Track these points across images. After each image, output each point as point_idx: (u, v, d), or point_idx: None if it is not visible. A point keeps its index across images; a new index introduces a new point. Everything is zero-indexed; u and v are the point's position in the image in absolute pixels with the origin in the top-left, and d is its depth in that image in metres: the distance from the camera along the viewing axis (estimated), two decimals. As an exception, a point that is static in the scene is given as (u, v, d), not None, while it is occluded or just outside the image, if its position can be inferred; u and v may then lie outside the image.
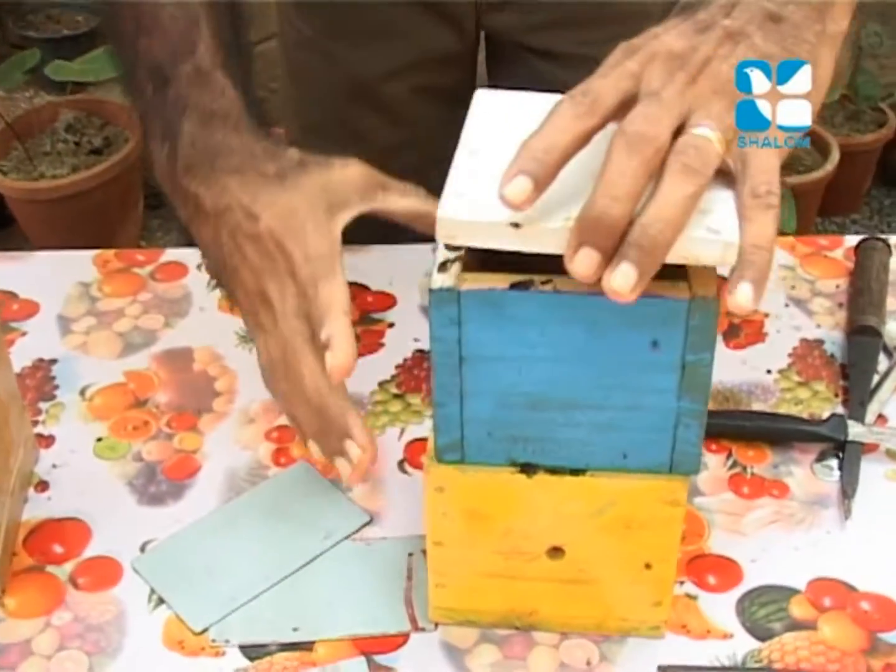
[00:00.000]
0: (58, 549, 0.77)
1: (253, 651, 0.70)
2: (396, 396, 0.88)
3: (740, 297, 0.52)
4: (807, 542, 0.76)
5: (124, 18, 0.74)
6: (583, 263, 0.51)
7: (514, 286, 0.56)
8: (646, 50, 0.56)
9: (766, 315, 0.94)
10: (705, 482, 0.80)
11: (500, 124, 0.61)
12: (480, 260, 0.57)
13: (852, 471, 0.80)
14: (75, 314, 0.97)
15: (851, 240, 1.02)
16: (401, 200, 0.71)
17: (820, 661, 0.69)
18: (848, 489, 0.79)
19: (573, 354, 0.58)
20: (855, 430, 0.82)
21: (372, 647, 0.70)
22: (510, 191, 0.52)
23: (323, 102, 1.13)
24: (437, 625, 0.71)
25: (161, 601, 0.73)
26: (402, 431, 0.84)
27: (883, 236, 1.00)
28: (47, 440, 0.85)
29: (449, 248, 0.58)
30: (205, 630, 0.71)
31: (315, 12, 1.07)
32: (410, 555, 0.75)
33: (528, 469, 0.63)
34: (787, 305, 0.96)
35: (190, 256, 1.02)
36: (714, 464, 0.81)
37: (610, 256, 0.51)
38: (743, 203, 0.54)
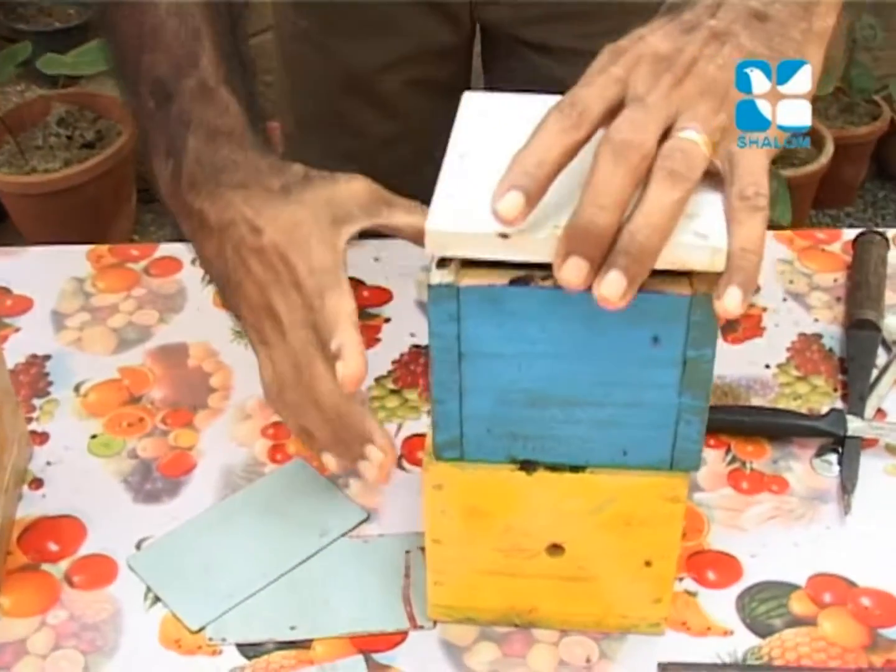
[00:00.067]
0: (52, 547, 0.76)
1: (250, 650, 0.70)
2: (393, 392, 0.87)
3: (728, 303, 0.52)
4: (807, 538, 0.76)
5: (125, 33, 0.73)
6: (571, 272, 0.52)
7: (513, 282, 0.55)
8: (631, 53, 0.56)
9: (765, 309, 0.94)
10: (704, 478, 0.80)
11: (489, 127, 0.61)
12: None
13: (852, 466, 0.80)
14: (69, 310, 0.96)
15: (849, 233, 1.02)
16: (405, 217, 0.71)
17: (821, 657, 0.69)
18: (847, 484, 0.79)
19: (573, 351, 0.57)
20: (854, 425, 0.82)
21: (370, 645, 0.70)
22: (503, 206, 0.52)
23: (318, 95, 1.12)
24: (435, 623, 0.71)
25: (157, 599, 0.73)
26: (400, 427, 0.84)
27: (881, 230, 0.99)
28: (41, 437, 0.84)
29: None
30: (201, 629, 0.71)
31: (310, 6, 1.06)
32: (408, 552, 0.75)
33: (527, 466, 0.63)
34: (784, 300, 0.95)
35: (184, 251, 1.01)
36: (713, 459, 0.81)
37: (598, 265, 0.52)
38: (731, 205, 0.54)
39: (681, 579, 0.73)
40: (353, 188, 0.69)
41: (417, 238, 0.73)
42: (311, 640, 0.70)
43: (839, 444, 0.82)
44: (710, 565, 0.74)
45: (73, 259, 1.02)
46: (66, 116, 2.36)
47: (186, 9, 0.72)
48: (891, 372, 0.87)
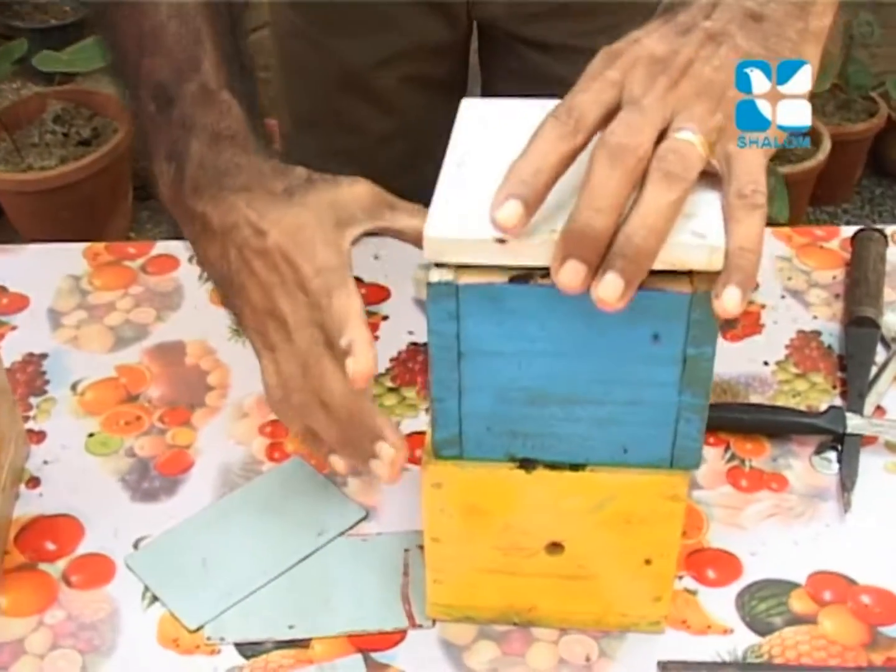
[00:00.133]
0: (50, 546, 0.76)
1: (248, 649, 0.70)
2: (391, 390, 0.87)
3: (727, 302, 0.52)
4: (806, 536, 0.76)
5: (125, 34, 0.73)
6: (569, 276, 0.52)
7: (513, 280, 0.55)
8: (627, 55, 0.56)
9: (763, 306, 0.94)
10: (703, 475, 0.80)
11: (487, 134, 0.61)
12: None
13: (851, 463, 0.80)
14: (66, 308, 0.96)
15: (848, 230, 1.01)
16: (407, 220, 0.70)
17: (821, 655, 0.69)
18: (847, 482, 0.79)
19: (573, 349, 0.57)
20: (853, 423, 0.82)
21: (369, 644, 0.70)
22: (501, 215, 0.52)
23: (314, 93, 1.12)
24: (434, 621, 0.71)
25: (155, 599, 0.72)
26: (398, 425, 0.84)
27: (879, 227, 0.99)
28: (38, 436, 0.84)
29: None
30: (200, 628, 0.70)
31: (306, 3, 1.06)
32: (406, 550, 0.75)
33: (527, 464, 0.62)
34: (783, 297, 0.95)
35: (181, 249, 1.01)
36: (712, 457, 0.81)
37: (596, 267, 0.52)
38: (729, 203, 0.54)
39: (680, 577, 0.73)
40: (356, 191, 0.68)
41: (420, 241, 0.72)
42: (309, 640, 0.70)
43: (838, 442, 0.81)
44: (710, 563, 0.74)
45: (70, 257, 1.01)
46: (62, 114, 2.36)
47: (187, 10, 0.72)
48: (890, 369, 0.87)
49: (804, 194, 2.32)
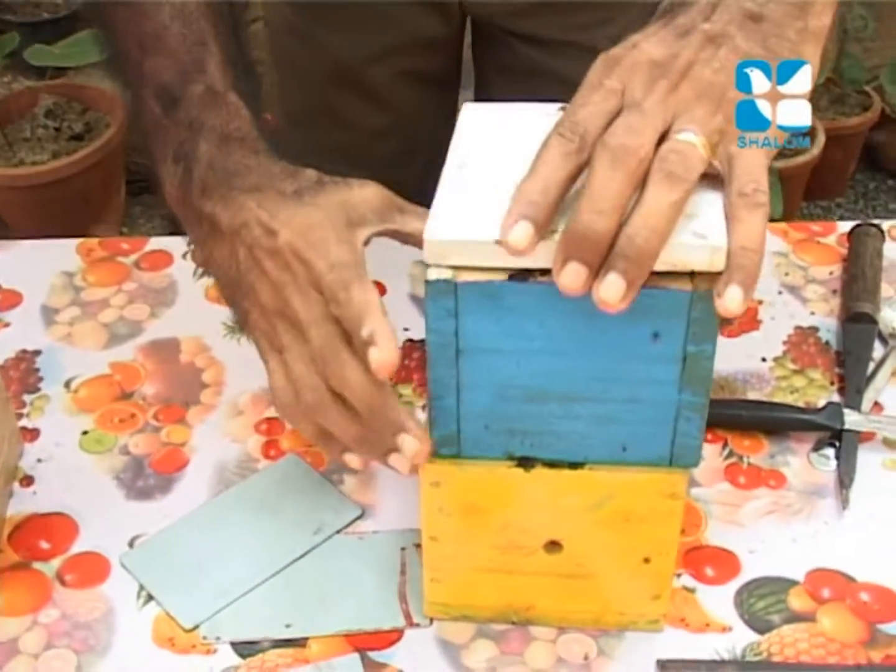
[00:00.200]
0: (44, 545, 0.75)
1: (245, 648, 0.69)
2: (387, 387, 0.86)
3: (729, 302, 0.52)
4: (805, 533, 0.75)
5: (126, 34, 0.72)
6: (570, 278, 0.52)
7: (512, 277, 0.55)
8: (626, 62, 0.56)
9: (760, 302, 0.93)
10: (701, 473, 0.79)
11: (487, 138, 0.61)
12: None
13: (849, 460, 0.79)
14: (59, 304, 0.95)
15: (844, 226, 1.01)
16: (418, 223, 0.69)
17: (819, 653, 0.69)
18: (845, 479, 0.78)
19: (572, 346, 0.57)
20: (851, 419, 0.81)
21: (366, 643, 0.69)
22: (513, 237, 0.52)
23: (307, 88, 1.12)
24: (432, 620, 0.70)
25: (150, 598, 0.72)
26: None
27: (876, 222, 0.99)
28: (32, 433, 0.83)
29: None
30: (195, 627, 0.70)
31: (299, -2, 1.05)
32: (403, 549, 0.74)
33: (525, 463, 0.62)
34: (780, 293, 0.95)
35: (175, 245, 1.00)
36: (710, 454, 0.81)
37: (597, 269, 0.52)
38: (730, 203, 0.54)
39: (679, 575, 0.73)
40: (367, 193, 0.68)
41: None
42: (306, 639, 0.70)
43: (836, 438, 0.81)
44: (708, 561, 0.74)
45: (63, 253, 1.01)
46: (53, 108, 2.35)
47: (189, 11, 0.71)
48: (887, 365, 0.87)
49: (798, 189, 2.32)
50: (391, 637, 0.70)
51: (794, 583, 0.72)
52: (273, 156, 0.69)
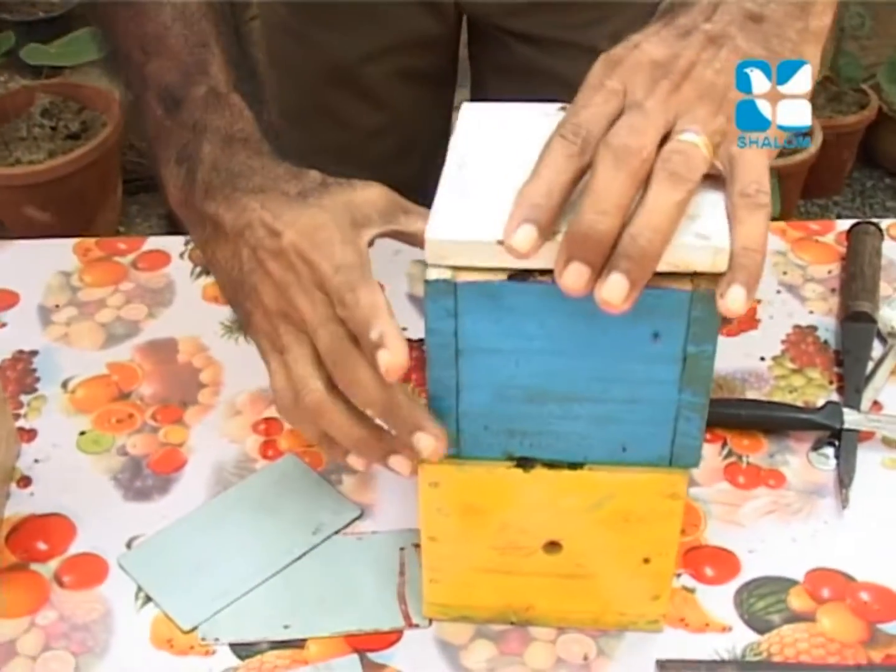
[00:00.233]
0: (42, 546, 0.75)
1: (243, 649, 0.69)
2: (385, 387, 0.86)
3: (731, 302, 0.52)
4: (804, 533, 0.75)
5: (127, 35, 0.72)
6: (572, 278, 0.52)
7: (512, 277, 0.55)
8: (627, 62, 0.56)
9: (759, 301, 0.93)
10: (701, 472, 0.79)
11: (487, 138, 0.61)
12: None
13: (848, 459, 0.79)
14: (56, 304, 0.95)
15: (843, 224, 1.01)
16: (421, 224, 0.69)
17: (819, 653, 0.69)
18: (844, 478, 0.78)
19: (572, 346, 0.57)
20: (850, 418, 0.81)
21: (365, 644, 0.69)
22: (517, 241, 0.52)
23: (303, 88, 1.12)
24: (431, 621, 0.70)
25: (148, 599, 0.72)
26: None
27: (874, 220, 0.99)
28: (29, 434, 0.83)
29: None
30: (194, 628, 0.70)
31: (294, -3, 1.05)
32: (402, 549, 0.74)
33: (525, 463, 0.62)
34: (779, 291, 0.95)
35: (172, 245, 1.00)
36: (709, 453, 0.80)
37: (600, 270, 0.52)
38: (732, 203, 0.54)
39: (678, 575, 0.72)
40: (371, 194, 0.68)
41: None
42: (305, 640, 0.69)
43: (835, 438, 0.81)
44: (708, 561, 0.74)
45: (60, 252, 1.00)
46: (50, 107, 2.34)
47: (191, 13, 0.71)
48: (886, 364, 0.87)
49: (796, 187, 2.32)
50: (390, 638, 0.69)
51: (793, 582, 0.72)
52: (276, 157, 0.69)
